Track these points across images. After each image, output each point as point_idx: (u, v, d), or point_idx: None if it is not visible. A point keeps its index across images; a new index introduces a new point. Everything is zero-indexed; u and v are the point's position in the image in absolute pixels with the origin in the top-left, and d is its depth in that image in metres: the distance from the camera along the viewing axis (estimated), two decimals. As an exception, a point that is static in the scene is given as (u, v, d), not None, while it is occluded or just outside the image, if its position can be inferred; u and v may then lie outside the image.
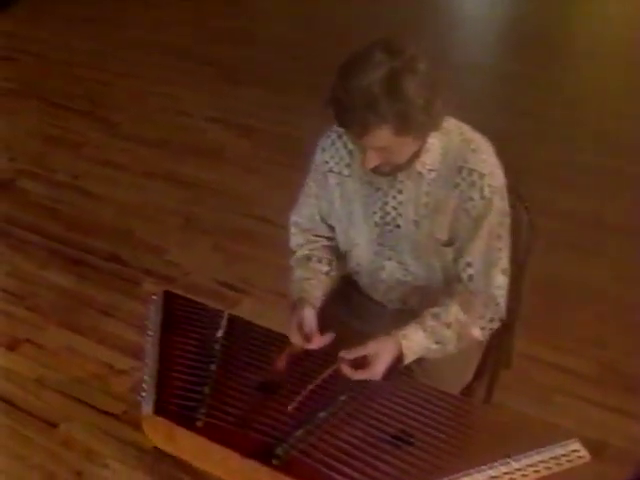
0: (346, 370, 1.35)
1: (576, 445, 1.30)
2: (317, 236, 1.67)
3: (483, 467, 1.21)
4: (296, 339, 1.43)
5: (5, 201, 3.35)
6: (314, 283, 1.57)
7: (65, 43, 4.87)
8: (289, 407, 1.30)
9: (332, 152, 1.54)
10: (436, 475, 1.19)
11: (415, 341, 1.42)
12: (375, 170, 1.39)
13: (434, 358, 1.52)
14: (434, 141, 1.41)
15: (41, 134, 3.87)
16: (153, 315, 1.62)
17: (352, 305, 1.73)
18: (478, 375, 1.74)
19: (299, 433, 1.23)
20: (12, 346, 2.55)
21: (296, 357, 1.42)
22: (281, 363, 1.39)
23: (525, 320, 2.31)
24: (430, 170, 1.43)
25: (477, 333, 1.50)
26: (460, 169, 1.41)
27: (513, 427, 1.34)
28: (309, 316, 1.45)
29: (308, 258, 1.64)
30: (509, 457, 1.24)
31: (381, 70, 1.22)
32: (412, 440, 1.26)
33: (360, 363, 1.37)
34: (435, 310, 1.46)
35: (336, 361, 1.36)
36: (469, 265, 1.48)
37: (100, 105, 4.13)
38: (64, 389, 2.36)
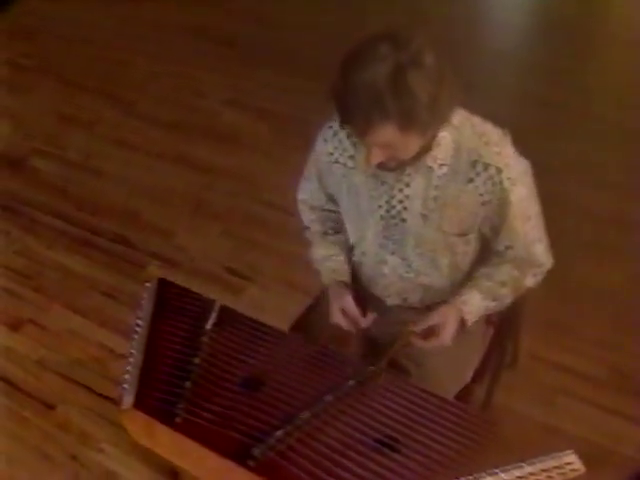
0: (417, 341, 1.43)
1: (571, 457, 1.24)
2: (326, 210, 1.65)
3: (469, 477, 1.15)
4: (344, 325, 1.49)
5: (17, 179, 3.35)
6: (339, 259, 1.61)
7: (85, 22, 4.83)
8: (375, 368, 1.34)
9: (335, 143, 1.48)
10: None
11: (474, 305, 1.47)
12: (380, 166, 1.34)
13: (432, 358, 1.49)
14: (445, 135, 1.36)
15: (56, 112, 3.86)
16: (145, 303, 1.58)
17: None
18: (478, 376, 1.68)
19: (279, 434, 1.18)
20: (15, 326, 2.55)
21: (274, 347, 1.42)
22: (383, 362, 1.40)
23: (535, 318, 2.24)
24: (441, 165, 1.38)
25: (529, 282, 1.53)
26: (474, 163, 1.36)
27: (505, 436, 1.28)
28: (349, 301, 1.49)
29: (324, 233, 1.65)
30: (497, 468, 1.18)
31: (386, 65, 1.16)
32: (397, 446, 1.21)
33: (427, 333, 1.43)
34: (487, 270, 1.50)
35: (405, 334, 1.43)
36: (509, 248, 1.48)
37: (116, 84, 4.09)
38: (64, 371, 2.35)
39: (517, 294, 1.53)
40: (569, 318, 2.37)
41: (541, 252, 1.51)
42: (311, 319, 1.69)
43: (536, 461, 1.21)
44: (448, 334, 1.42)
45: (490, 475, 1.18)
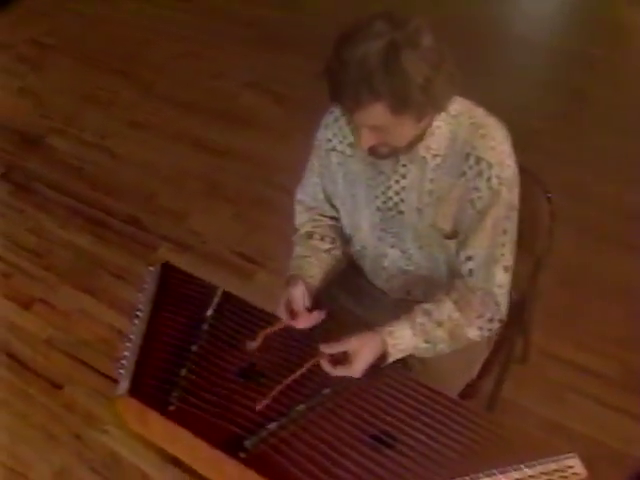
0: (325, 365, 1.27)
1: (573, 461, 1.21)
2: (321, 215, 1.60)
3: (465, 478, 1.12)
4: (283, 315, 1.37)
5: (33, 157, 3.35)
6: (312, 261, 1.50)
7: (107, 1, 4.81)
8: (257, 407, 1.22)
9: (335, 130, 1.45)
10: (412, 483, 1.11)
11: (402, 339, 1.33)
12: (372, 151, 1.30)
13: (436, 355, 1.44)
14: (441, 124, 1.30)
15: (75, 91, 3.85)
16: (148, 287, 1.57)
17: (354, 290, 1.65)
18: (484, 372, 1.64)
19: (272, 426, 1.16)
20: (26, 305, 2.56)
21: (277, 336, 1.35)
22: (257, 341, 1.33)
23: (547, 313, 2.20)
24: (435, 155, 1.32)
25: (473, 334, 1.40)
26: (467, 156, 1.29)
27: (507, 436, 1.24)
28: (298, 293, 1.38)
29: (310, 235, 1.57)
30: (496, 468, 1.15)
31: (380, 41, 1.11)
32: (392, 443, 1.18)
33: (341, 359, 1.28)
34: (427, 306, 1.37)
35: (317, 354, 1.28)
36: (469, 259, 1.37)
37: (136, 64, 4.07)
38: (71, 351, 2.36)
39: (454, 344, 1.38)
40: (583, 314, 2.31)
41: (501, 282, 1.37)
42: (320, 306, 1.65)
43: (536, 463, 1.18)
44: (360, 365, 1.26)
45: (488, 476, 1.15)
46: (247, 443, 1.13)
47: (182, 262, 2.65)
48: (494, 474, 1.15)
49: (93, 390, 2.23)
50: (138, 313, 1.49)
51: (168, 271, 1.61)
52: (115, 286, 2.60)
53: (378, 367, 1.32)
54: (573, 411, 1.99)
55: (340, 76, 1.14)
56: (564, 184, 2.72)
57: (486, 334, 1.43)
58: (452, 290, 1.38)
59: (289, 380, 1.25)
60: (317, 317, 1.36)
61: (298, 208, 1.63)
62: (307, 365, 1.27)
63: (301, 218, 1.62)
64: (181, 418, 1.19)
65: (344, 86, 1.14)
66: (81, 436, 2.09)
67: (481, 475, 1.14)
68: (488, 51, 3.82)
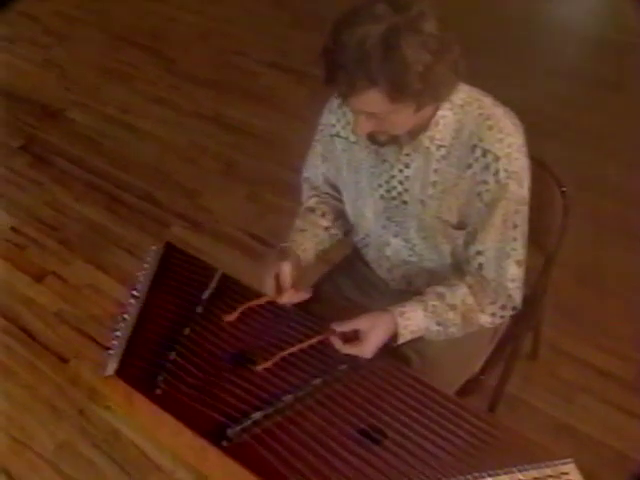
0: (335, 342, 1.25)
1: (569, 467, 1.16)
2: (326, 194, 1.57)
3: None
4: (269, 289, 1.34)
5: (54, 130, 3.36)
6: (307, 235, 1.48)
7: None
8: (258, 367, 1.22)
9: (339, 115, 1.40)
10: (398, 481, 1.08)
11: (413, 320, 1.29)
12: (371, 138, 1.25)
13: (436, 346, 1.40)
14: (447, 114, 1.25)
15: (98, 65, 3.85)
16: (148, 267, 1.55)
17: (357, 278, 1.62)
18: (488, 367, 1.60)
19: (256, 416, 1.13)
20: (39, 277, 2.57)
21: (271, 323, 1.34)
22: (234, 314, 1.32)
23: (562, 310, 2.15)
24: (440, 146, 1.27)
25: (485, 319, 1.36)
26: (474, 148, 1.24)
27: (503, 438, 1.18)
28: (286, 268, 1.34)
29: (311, 210, 1.55)
30: (486, 471, 1.11)
31: (379, 24, 1.05)
32: (381, 439, 1.15)
33: (351, 337, 1.26)
34: (440, 289, 1.33)
35: (326, 331, 1.26)
36: (479, 254, 1.32)
37: (161, 40, 4.06)
38: (80, 325, 2.36)
39: (466, 328, 1.34)
40: (600, 312, 2.24)
41: (514, 276, 1.33)
42: (322, 290, 1.63)
43: (530, 467, 1.14)
44: (371, 344, 1.24)
45: (477, 479, 1.11)
46: (230, 432, 1.11)
47: (194, 240, 2.67)
48: (483, 477, 1.11)
49: (99, 366, 2.20)
50: (135, 293, 1.47)
51: (171, 251, 1.59)
52: (126, 262, 2.59)
53: (388, 348, 1.29)
54: (582, 412, 1.93)
55: (336, 58, 1.09)
56: (586, 177, 2.65)
57: (498, 321, 1.39)
58: (467, 275, 1.35)
59: (294, 349, 1.25)
60: (302, 296, 1.34)
61: (305, 186, 1.61)
62: (315, 339, 1.26)
63: (307, 194, 1.60)
64: (166, 403, 1.17)
65: (339, 69, 1.09)
66: (84, 411, 2.10)
67: (470, 478, 1.10)
68: (524, 41, 3.72)
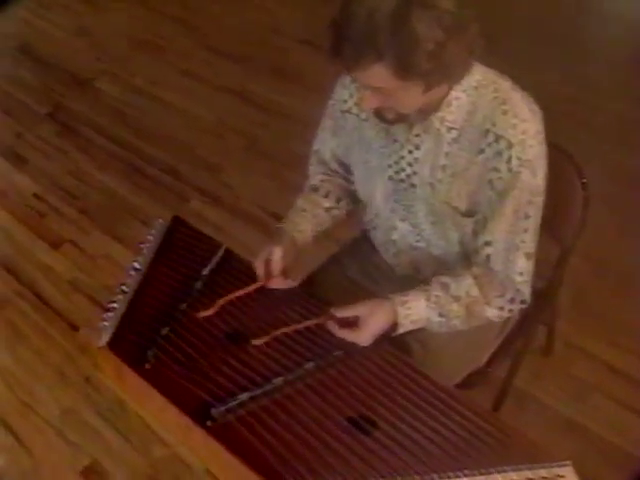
0: (331, 326, 1.22)
1: (566, 470, 1.11)
2: (333, 171, 1.53)
3: (434, 475, 1.04)
4: (258, 272, 1.32)
5: (81, 99, 3.37)
6: (307, 216, 1.45)
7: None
8: (254, 341, 1.21)
9: (352, 90, 1.35)
10: (383, 473, 1.04)
11: (414, 310, 1.25)
12: (378, 115, 1.20)
13: (440, 337, 1.35)
14: (460, 95, 1.19)
15: (130, 36, 3.84)
16: (152, 240, 1.53)
17: (364, 262, 1.58)
18: (495, 360, 1.55)
19: (243, 397, 1.11)
20: (56, 245, 2.59)
21: (268, 303, 1.31)
22: (212, 309, 1.29)
23: (580, 305, 2.08)
24: (450, 128, 1.21)
25: (492, 313, 1.31)
26: (486, 132, 1.18)
27: (500, 436, 1.14)
28: (277, 253, 1.32)
29: (315, 189, 1.52)
30: (478, 469, 1.07)
31: None
32: (370, 430, 1.11)
33: (350, 323, 1.23)
34: (445, 279, 1.28)
35: (324, 315, 1.24)
36: (488, 244, 1.27)
37: (194, 13, 4.02)
38: (93, 294, 2.37)
39: (471, 322, 1.30)
40: (620, 309, 2.15)
41: (522, 269, 1.27)
42: (327, 272, 1.60)
43: (524, 468, 1.09)
44: (368, 332, 1.20)
45: (467, 476, 1.07)
46: (214, 412, 1.08)
47: (212, 215, 2.66)
48: (475, 475, 1.07)
49: (108, 335, 2.23)
50: (136, 265, 1.45)
51: (177, 225, 1.57)
52: (143, 234, 2.56)
53: (386, 337, 1.25)
54: (593, 411, 1.87)
55: (343, 30, 1.04)
56: (612, 167, 2.55)
57: (506, 315, 1.34)
58: (473, 266, 1.30)
59: (291, 328, 1.23)
60: (289, 284, 1.33)
61: (313, 158, 1.57)
62: (313, 320, 1.24)
63: (314, 169, 1.56)
64: (154, 378, 1.15)
65: (346, 41, 1.04)
66: (91, 379, 2.11)
67: (460, 474, 1.06)
68: (566, 21, 3.59)
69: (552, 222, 1.46)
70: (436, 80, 1.10)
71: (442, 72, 1.08)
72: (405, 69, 1.04)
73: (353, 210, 1.53)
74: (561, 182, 1.42)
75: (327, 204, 1.48)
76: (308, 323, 1.25)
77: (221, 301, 1.30)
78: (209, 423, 1.08)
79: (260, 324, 1.28)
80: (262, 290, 1.34)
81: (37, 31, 3.99)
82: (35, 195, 2.82)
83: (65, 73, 3.55)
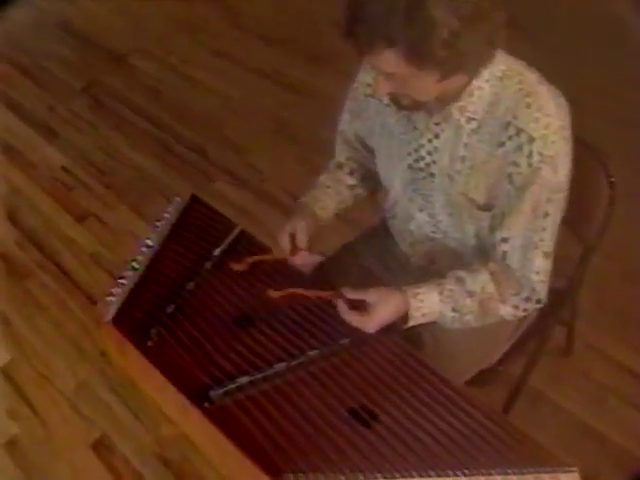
0: (340, 305, 1.20)
1: (571, 477, 1.08)
2: (358, 151, 1.51)
3: (432, 473, 1.01)
4: (284, 245, 1.32)
5: (115, 75, 3.39)
6: (329, 192, 1.46)
7: None
8: (270, 292, 1.22)
9: (374, 74, 1.32)
10: (380, 468, 1.02)
11: (427, 303, 1.22)
12: (393, 100, 1.17)
13: (453, 332, 1.31)
14: (483, 85, 1.15)
15: (167, 14, 3.84)
16: (168, 217, 1.52)
17: (380, 249, 1.56)
18: (508, 359, 1.50)
19: (242, 380, 1.09)
20: (81, 218, 2.61)
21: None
22: (242, 264, 1.29)
23: (603, 307, 2.01)
24: (470, 119, 1.17)
25: (507, 311, 1.27)
26: (507, 125, 1.13)
27: (504, 437, 1.10)
28: (303, 228, 1.32)
29: (339, 166, 1.52)
30: (479, 470, 1.04)
31: None
32: (371, 422, 1.08)
33: (358, 307, 1.20)
34: (461, 274, 1.24)
35: (334, 293, 1.22)
36: (505, 241, 1.22)
37: (232, -8, 4.01)
38: (113, 269, 2.39)
39: (485, 319, 1.26)
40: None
41: (539, 268, 1.22)
42: (342, 258, 1.59)
43: (526, 471, 1.06)
44: (376, 319, 1.17)
45: (466, 475, 1.03)
46: (212, 394, 1.07)
47: (237, 197, 2.65)
48: (475, 475, 1.04)
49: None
50: (148, 242, 1.45)
51: (194, 204, 1.56)
52: (167, 212, 2.59)
53: (397, 329, 1.23)
54: (610, 416, 1.81)
55: (357, 13, 1.01)
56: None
57: (521, 314, 1.29)
58: (491, 262, 1.25)
59: (303, 292, 1.23)
60: (314, 258, 1.33)
61: (338, 139, 1.55)
62: (324, 293, 1.22)
63: (339, 147, 1.55)
64: (156, 356, 1.14)
65: (359, 23, 1.01)
66: (106, 354, 2.12)
67: (459, 473, 1.03)
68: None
69: (575, 220, 1.41)
70: (451, 69, 1.06)
71: (457, 62, 1.04)
72: (416, 57, 1.00)
73: (375, 193, 1.50)
74: (587, 179, 1.37)
75: (351, 182, 1.48)
76: (320, 293, 1.23)
77: (250, 260, 1.30)
78: (206, 405, 1.06)
79: (268, 309, 1.26)
80: (273, 274, 1.32)
81: (77, 8, 4.01)
82: (63, 168, 2.85)
83: (102, 49, 3.57)
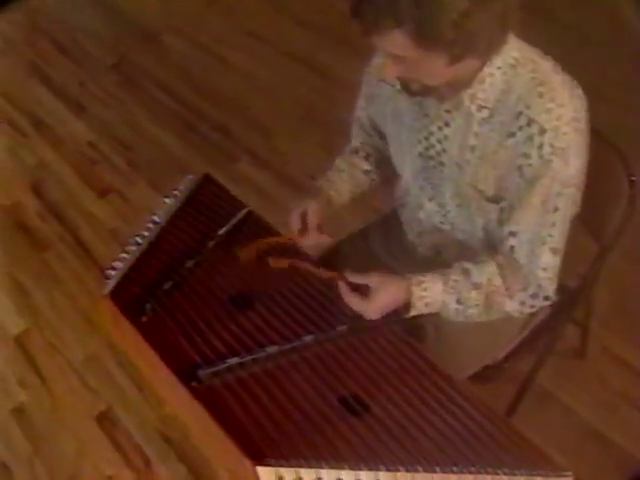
0: (341, 286, 1.17)
1: (565, 481, 1.04)
2: (373, 137, 1.49)
3: (419, 468, 0.99)
4: (294, 225, 1.31)
5: (146, 53, 3.39)
6: (344, 177, 1.44)
7: None
8: (271, 262, 1.21)
9: (383, 57, 1.28)
10: (367, 459, 0.99)
11: (430, 292, 1.18)
12: (403, 85, 1.14)
13: (457, 325, 1.28)
14: (495, 72, 1.10)
15: (201, -8, 3.83)
16: (178, 195, 1.51)
17: (389, 238, 1.53)
18: (514, 356, 1.46)
19: (231, 361, 1.07)
20: (103, 193, 2.63)
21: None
22: (251, 250, 1.26)
23: (621, 310, 1.95)
24: (481, 107, 1.13)
25: (513, 307, 1.23)
26: (519, 115, 1.09)
27: (499, 436, 1.06)
28: (314, 210, 1.30)
29: (355, 151, 1.50)
30: (468, 468, 1.01)
31: None
32: (361, 412, 1.06)
33: (360, 292, 1.17)
34: (468, 265, 1.21)
35: (338, 274, 1.19)
36: (512, 235, 1.18)
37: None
38: (131, 246, 2.39)
39: (489, 313, 1.22)
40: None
41: (547, 264, 1.18)
42: (351, 244, 1.57)
43: (518, 473, 1.03)
44: (377, 304, 1.15)
45: (455, 473, 1.01)
46: (201, 373, 1.05)
47: (259, 178, 2.63)
48: (463, 472, 1.01)
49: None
50: (155, 218, 1.44)
51: (206, 183, 1.55)
52: (188, 191, 2.59)
53: (398, 318, 1.20)
54: (620, 423, 1.75)
55: None
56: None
57: (527, 310, 1.25)
58: (499, 255, 1.21)
59: (305, 266, 1.21)
60: (324, 239, 1.30)
61: (355, 124, 1.53)
62: (327, 272, 1.20)
63: (355, 132, 1.53)
64: (149, 332, 1.13)
65: (365, 4, 0.98)
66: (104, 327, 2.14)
67: (447, 470, 1.00)
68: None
69: (592, 218, 1.36)
70: (460, 53, 1.02)
71: (466, 45, 1.00)
72: (424, 38, 0.97)
73: (390, 179, 1.47)
74: (606, 176, 1.32)
75: (366, 167, 1.46)
76: (322, 272, 1.21)
77: (254, 245, 1.28)
78: (194, 384, 1.05)
79: (268, 291, 1.24)
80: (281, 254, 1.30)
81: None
82: (89, 143, 2.86)
83: (134, 26, 3.58)
